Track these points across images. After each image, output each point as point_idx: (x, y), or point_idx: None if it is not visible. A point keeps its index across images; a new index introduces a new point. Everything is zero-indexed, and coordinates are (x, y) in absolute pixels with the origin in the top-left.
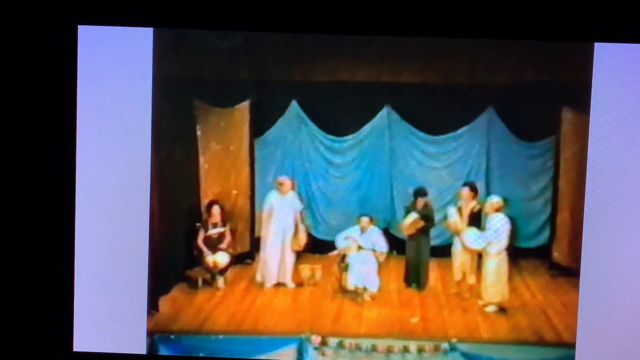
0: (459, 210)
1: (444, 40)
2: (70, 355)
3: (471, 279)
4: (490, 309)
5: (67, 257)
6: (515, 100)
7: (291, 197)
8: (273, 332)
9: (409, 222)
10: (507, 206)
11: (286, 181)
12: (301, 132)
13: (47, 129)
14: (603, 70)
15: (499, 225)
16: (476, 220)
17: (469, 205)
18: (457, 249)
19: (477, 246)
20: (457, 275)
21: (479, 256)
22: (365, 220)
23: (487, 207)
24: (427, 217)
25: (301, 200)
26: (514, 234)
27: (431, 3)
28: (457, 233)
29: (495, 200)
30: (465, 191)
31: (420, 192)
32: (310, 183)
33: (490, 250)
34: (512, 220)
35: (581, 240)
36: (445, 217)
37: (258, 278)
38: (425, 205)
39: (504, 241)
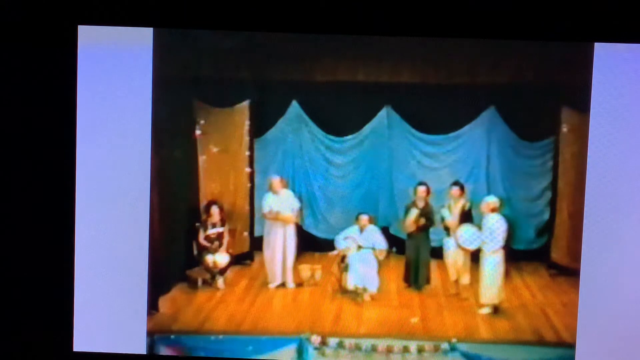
0: (449, 208)
1: (444, 40)
2: (70, 355)
3: (465, 279)
4: (485, 310)
5: (67, 257)
6: (515, 100)
7: (287, 195)
8: (273, 332)
9: (411, 219)
10: (503, 206)
11: (275, 180)
12: (302, 132)
13: (47, 129)
14: (603, 70)
15: (494, 226)
16: (468, 218)
17: (459, 203)
18: (448, 249)
19: (469, 245)
20: (452, 276)
21: (472, 256)
22: (364, 218)
23: (483, 207)
24: (427, 216)
25: (299, 198)
26: (510, 235)
27: (431, 3)
28: (449, 232)
29: (491, 200)
30: (455, 190)
31: (420, 184)
32: (310, 182)
33: (485, 248)
34: (510, 221)
35: (581, 240)
36: (442, 219)
37: (264, 279)
38: (426, 205)
39: (499, 241)
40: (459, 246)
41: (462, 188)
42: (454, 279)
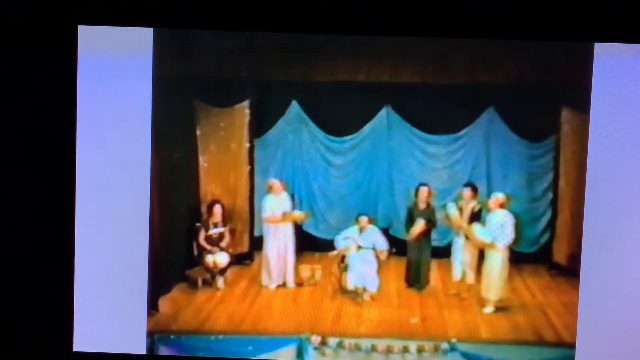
0: (460, 209)
1: (444, 40)
2: (70, 355)
3: (470, 278)
4: (488, 310)
5: (67, 257)
6: (515, 100)
7: (284, 197)
8: (273, 332)
9: (417, 231)
10: (510, 202)
11: (275, 183)
12: (302, 132)
13: (47, 129)
14: (603, 70)
15: (503, 220)
16: (476, 220)
17: (469, 205)
18: (458, 247)
19: (486, 239)
20: (457, 275)
21: (480, 255)
22: (364, 219)
23: (491, 204)
24: (429, 219)
25: (293, 201)
26: (519, 228)
27: (431, 3)
28: (458, 229)
29: (499, 196)
30: (467, 191)
31: (422, 185)
32: (310, 183)
33: (499, 244)
34: (517, 216)
35: (581, 240)
36: (444, 209)
37: (264, 280)
38: (427, 207)
39: (508, 234)
40: (474, 240)
41: (474, 190)
42: (459, 278)
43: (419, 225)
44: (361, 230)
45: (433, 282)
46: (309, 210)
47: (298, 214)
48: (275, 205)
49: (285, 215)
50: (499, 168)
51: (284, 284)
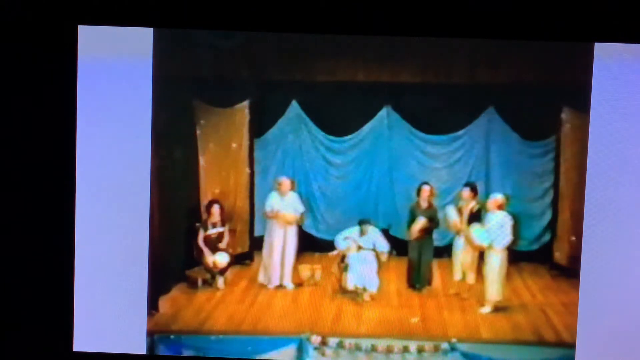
0: (459, 210)
1: (444, 40)
2: (70, 355)
3: (470, 279)
4: (485, 310)
5: (67, 257)
6: (515, 100)
7: (292, 197)
8: (273, 332)
9: (418, 228)
10: (509, 203)
11: (285, 181)
12: (301, 132)
13: (47, 129)
14: (603, 70)
15: (502, 221)
16: (475, 219)
17: (469, 205)
18: (458, 248)
19: (483, 242)
20: (457, 275)
21: (480, 256)
22: (365, 224)
23: (489, 205)
24: (431, 218)
25: (302, 202)
26: (517, 229)
27: (431, 3)
28: (458, 232)
29: (498, 197)
30: (466, 191)
31: (424, 184)
32: (310, 183)
33: (497, 246)
34: (515, 217)
35: (581, 240)
36: (444, 209)
37: (261, 279)
38: (430, 206)
39: (507, 235)
40: (472, 244)
41: (473, 190)
42: (459, 278)
43: (420, 222)
44: (362, 233)
45: (434, 282)
46: (308, 210)
47: (291, 216)
48: (276, 204)
49: (278, 215)
50: (499, 168)
51: (283, 285)
